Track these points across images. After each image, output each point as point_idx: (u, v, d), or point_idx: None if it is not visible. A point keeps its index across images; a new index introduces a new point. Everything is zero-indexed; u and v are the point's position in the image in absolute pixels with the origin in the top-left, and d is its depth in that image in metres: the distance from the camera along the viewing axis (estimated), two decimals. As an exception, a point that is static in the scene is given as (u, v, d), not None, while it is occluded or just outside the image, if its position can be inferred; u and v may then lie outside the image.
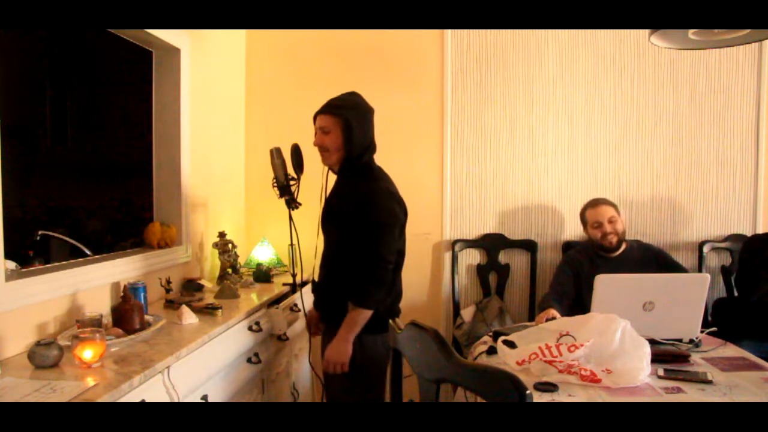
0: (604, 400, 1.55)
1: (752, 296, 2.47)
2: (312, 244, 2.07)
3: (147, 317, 1.82)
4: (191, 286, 2.36)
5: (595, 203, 2.66)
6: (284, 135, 2.21)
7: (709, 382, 1.66)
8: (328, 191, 2.06)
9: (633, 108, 3.08)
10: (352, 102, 1.96)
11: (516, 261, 3.14)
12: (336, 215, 1.97)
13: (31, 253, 2.34)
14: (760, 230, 3.08)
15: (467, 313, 3.05)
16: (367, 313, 1.87)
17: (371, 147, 1.97)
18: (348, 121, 1.90)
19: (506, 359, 1.77)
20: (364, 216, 1.87)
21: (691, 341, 2.01)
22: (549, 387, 1.61)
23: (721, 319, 2.65)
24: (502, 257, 3.13)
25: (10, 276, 1.57)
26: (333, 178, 2.05)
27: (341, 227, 1.95)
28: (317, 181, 2.05)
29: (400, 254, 1.98)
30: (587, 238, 2.71)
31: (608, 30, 3.03)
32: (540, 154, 3.11)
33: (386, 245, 1.87)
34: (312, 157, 2.07)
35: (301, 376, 2.76)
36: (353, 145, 1.91)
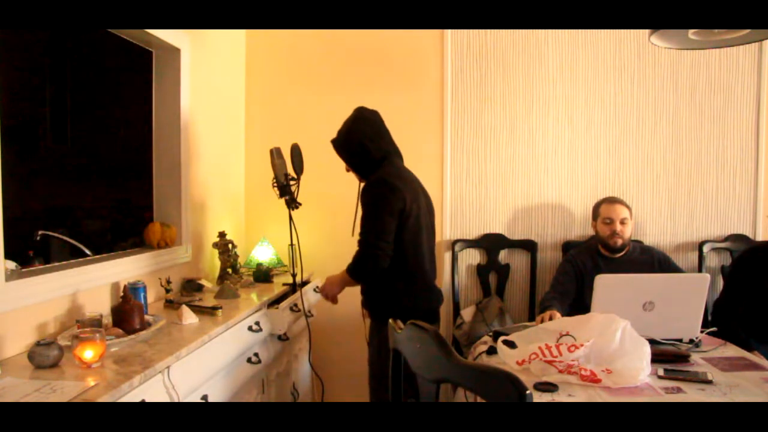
0: (604, 400, 1.55)
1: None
2: (312, 244, 2.07)
3: (147, 317, 1.82)
4: (191, 286, 2.36)
5: (612, 200, 2.66)
6: (284, 135, 2.21)
7: (709, 382, 1.66)
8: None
9: (633, 108, 3.08)
10: (341, 131, 2.11)
11: (516, 261, 3.14)
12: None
13: (31, 253, 2.34)
14: (760, 230, 3.08)
15: (467, 313, 3.04)
16: (352, 280, 2.10)
17: (371, 147, 2.06)
18: (339, 151, 2.10)
19: (506, 359, 1.77)
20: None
21: (691, 341, 2.01)
22: (549, 387, 1.61)
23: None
24: (502, 257, 3.13)
25: (10, 276, 1.57)
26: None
27: None
28: (317, 181, 2.05)
29: (412, 244, 2.06)
30: (591, 234, 2.69)
31: (608, 30, 3.03)
32: (540, 154, 3.11)
33: (368, 229, 2.00)
34: (312, 157, 2.07)
35: (301, 376, 2.76)
36: (353, 162, 2.11)
